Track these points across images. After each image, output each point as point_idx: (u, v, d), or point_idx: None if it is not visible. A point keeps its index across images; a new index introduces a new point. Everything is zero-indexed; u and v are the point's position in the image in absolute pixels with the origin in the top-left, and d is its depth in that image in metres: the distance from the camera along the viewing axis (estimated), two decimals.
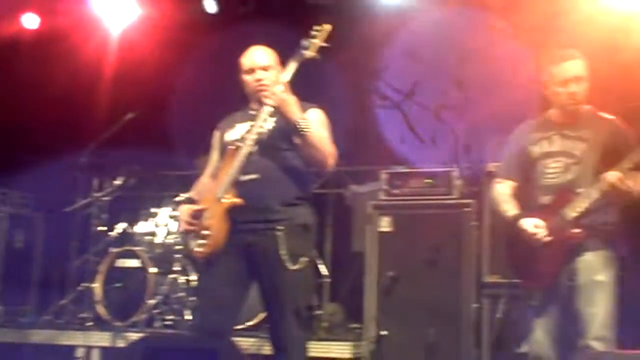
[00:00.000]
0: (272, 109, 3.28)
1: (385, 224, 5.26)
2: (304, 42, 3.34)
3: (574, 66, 3.56)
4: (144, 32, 6.87)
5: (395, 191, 5.36)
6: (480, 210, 5.05)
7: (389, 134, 6.14)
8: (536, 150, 3.65)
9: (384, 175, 5.44)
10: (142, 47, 6.84)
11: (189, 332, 3.72)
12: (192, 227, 3.36)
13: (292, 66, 3.35)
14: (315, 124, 3.38)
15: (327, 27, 3.35)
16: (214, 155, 3.65)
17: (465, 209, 5.11)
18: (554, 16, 5.40)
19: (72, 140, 6.65)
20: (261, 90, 3.40)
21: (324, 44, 3.34)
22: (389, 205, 5.32)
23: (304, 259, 3.33)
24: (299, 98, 3.39)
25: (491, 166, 4.84)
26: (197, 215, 3.35)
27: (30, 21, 7.18)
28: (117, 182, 6.31)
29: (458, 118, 5.68)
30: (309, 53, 3.33)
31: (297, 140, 3.36)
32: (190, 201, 3.49)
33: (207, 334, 3.29)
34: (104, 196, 6.43)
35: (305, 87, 3.48)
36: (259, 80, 3.44)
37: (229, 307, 3.38)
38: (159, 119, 6.63)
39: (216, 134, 3.67)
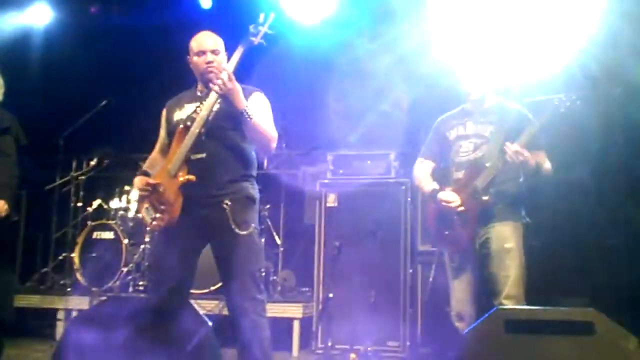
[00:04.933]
0: (218, 95, 3.17)
1: (331, 200, 5.33)
2: (251, 29, 3.21)
3: None
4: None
5: (340, 171, 5.43)
6: (414, 188, 5.12)
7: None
8: (452, 133, 3.74)
9: (330, 157, 5.51)
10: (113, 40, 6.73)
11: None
12: (145, 193, 3.28)
13: (239, 51, 3.22)
14: (258, 109, 3.29)
15: (272, 15, 3.23)
16: (162, 132, 3.54)
17: (401, 187, 5.22)
18: None
19: (51, 125, 6.55)
20: (210, 72, 3.28)
21: (270, 31, 3.22)
22: (334, 184, 5.40)
23: (251, 226, 3.25)
24: (247, 82, 3.29)
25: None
26: (152, 186, 3.26)
27: None
28: (93, 162, 6.25)
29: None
30: (256, 39, 3.20)
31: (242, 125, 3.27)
32: (144, 173, 3.40)
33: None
34: (81, 175, 6.39)
35: (261, 77, 3.45)
36: (209, 62, 3.30)
37: (180, 276, 3.27)
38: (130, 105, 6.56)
39: (163, 112, 3.55)
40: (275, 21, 3.25)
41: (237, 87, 3.16)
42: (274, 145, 3.36)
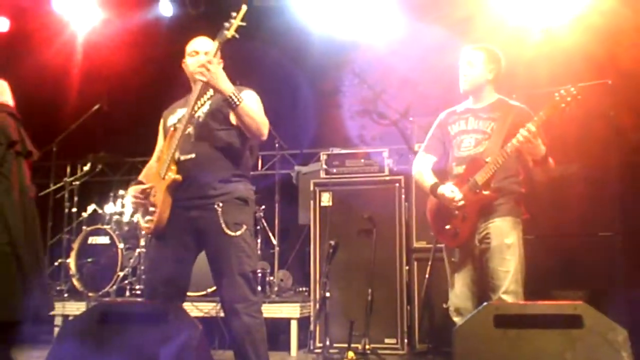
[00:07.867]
0: (205, 87, 3.20)
1: (326, 199, 5.34)
2: (225, 24, 3.21)
3: (468, 53, 3.67)
4: (106, 34, 6.76)
5: (334, 170, 5.44)
6: (408, 185, 5.14)
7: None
8: (454, 128, 3.73)
9: (323, 157, 5.52)
10: (105, 46, 6.72)
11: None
12: (138, 201, 3.29)
13: (216, 45, 3.23)
14: (248, 100, 3.27)
15: (244, 8, 3.21)
16: (159, 140, 3.56)
17: (396, 185, 5.22)
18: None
19: (44, 131, 6.55)
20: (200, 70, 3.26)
21: (242, 23, 3.21)
22: (328, 183, 5.40)
23: (243, 227, 3.24)
24: (234, 83, 3.26)
25: (416, 146, 4.91)
26: (144, 193, 3.27)
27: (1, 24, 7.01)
28: (86, 167, 6.26)
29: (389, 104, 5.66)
30: (230, 33, 3.20)
31: (231, 116, 3.26)
32: (138, 182, 3.41)
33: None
34: (74, 180, 6.40)
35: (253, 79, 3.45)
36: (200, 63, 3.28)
37: (174, 280, 3.27)
38: (122, 110, 6.56)
39: (161, 122, 3.57)
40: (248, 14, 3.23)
41: (222, 73, 3.16)
42: (265, 130, 3.31)
